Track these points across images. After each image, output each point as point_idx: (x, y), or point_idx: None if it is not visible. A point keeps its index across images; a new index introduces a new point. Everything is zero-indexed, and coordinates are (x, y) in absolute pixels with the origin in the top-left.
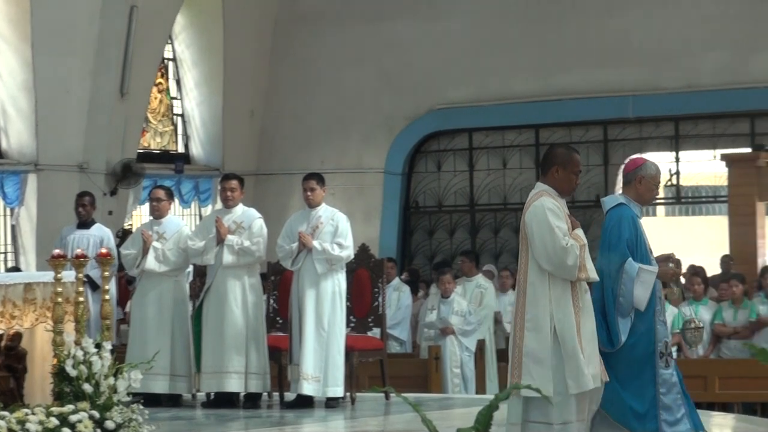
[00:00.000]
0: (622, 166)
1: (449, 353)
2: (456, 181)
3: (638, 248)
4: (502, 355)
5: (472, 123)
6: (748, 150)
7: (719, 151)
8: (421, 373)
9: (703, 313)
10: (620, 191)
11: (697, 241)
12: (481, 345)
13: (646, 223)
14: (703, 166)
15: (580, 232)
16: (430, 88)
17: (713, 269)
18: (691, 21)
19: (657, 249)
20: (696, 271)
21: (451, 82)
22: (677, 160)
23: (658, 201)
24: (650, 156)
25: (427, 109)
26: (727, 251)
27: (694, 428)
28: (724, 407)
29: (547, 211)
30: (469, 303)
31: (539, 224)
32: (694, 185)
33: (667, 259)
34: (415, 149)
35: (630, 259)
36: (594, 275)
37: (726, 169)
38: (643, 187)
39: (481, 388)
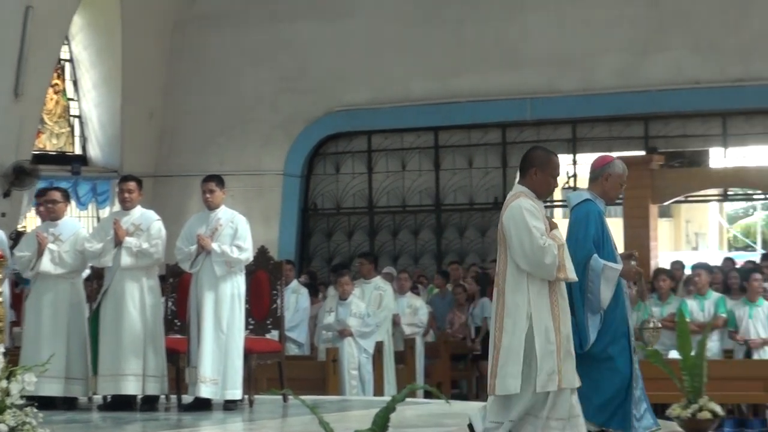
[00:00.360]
0: (591, 163)
1: (347, 355)
2: (355, 183)
3: (604, 245)
4: (399, 357)
5: (371, 125)
6: (642, 153)
7: (615, 154)
8: (319, 375)
9: None
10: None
11: None
12: (379, 347)
13: None
14: None
15: (558, 232)
16: (329, 90)
17: None
18: (587, 25)
19: None
20: None
21: (350, 84)
22: (574, 162)
23: (555, 203)
24: None
25: (325, 111)
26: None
27: (654, 424)
28: None
29: (524, 211)
30: (368, 305)
31: (517, 224)
32: None
33: (630, 256)
34: (314, 151)
35: (595, 255)
36: (573, 275)
37: None
38: (609, 184)
39: (379, 390)
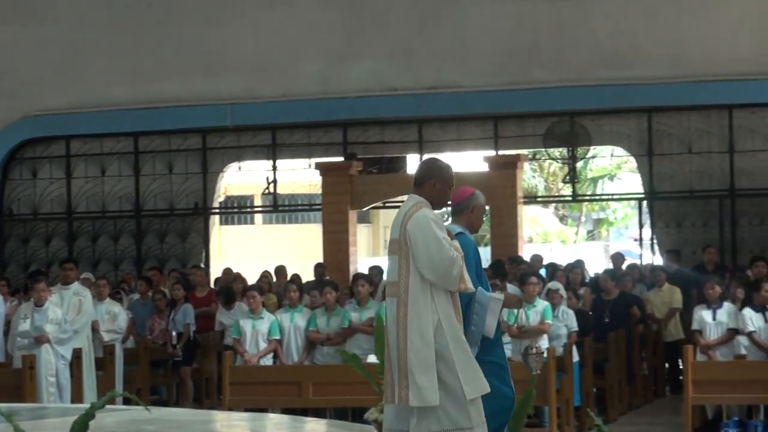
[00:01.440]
0: (453, 197)
1: (44, 362)
2: (53, 188)
3: (481, 277)
4: (99, 364)
5: (70, 130)
6: (341, 159)
7: (314, 160)
8: (15, 382)
9: (299, 321)
10: (450, 221)
11: (293, 249)
12: (78, 353)
13: (244, 232)
14: (299, 175)
15: (457, 243)
16: (26, 95)
17: (308, 276)
18: (287, 31)
19: (256, 257)
20: (292, 279)
21: (48, 88)
22: (274, 168)
23: (255, 209)
24: (248, 164)
25: (21, 115)
26: (321, 259)
27: None
28: (317, 413)
29: (431, 222)
30: (68, 311)
31: (424, 235)
32: (290, 193)
33: (494, 286)
34: (9, 156)
35: (480, 288)
36: (471, 286)
37: (320, 178)
38: (474, 216)
39: (78, 397)
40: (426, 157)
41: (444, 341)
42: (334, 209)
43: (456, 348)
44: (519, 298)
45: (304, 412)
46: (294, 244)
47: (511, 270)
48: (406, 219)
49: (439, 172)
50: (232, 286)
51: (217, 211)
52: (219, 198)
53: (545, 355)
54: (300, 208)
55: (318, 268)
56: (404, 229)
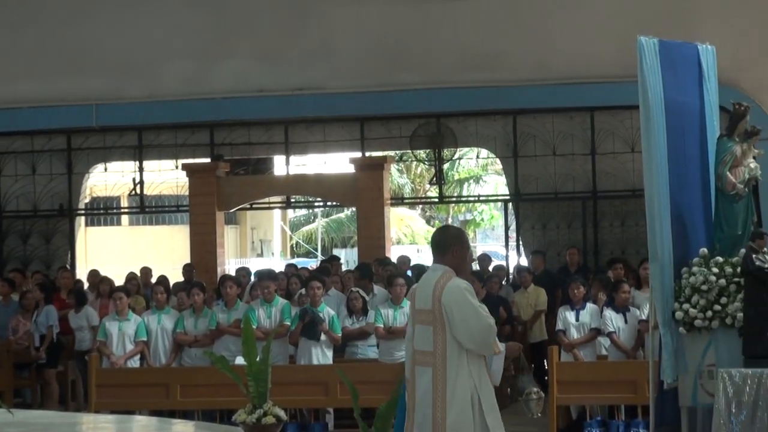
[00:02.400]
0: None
1: None
2: None
3: None
4: None
5: None
6: (208, 160)
7: (181, 161)
8: None
9: (166, 322)
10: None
11: (161, 250)
12: None
13: (111, 233)
14: (166, 176)
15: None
16: None
17: (176, 278)
18: (153, 30)
19: (123, 259)
20: (159, 280)
21: None
22: (141, 169)
23: (122, 210)
24: (114, 165)
25: None
26: (188, 260)
27: None
28: (185, 415)
29: (465, 291)
30: None
31: (460, 305)
32: (157, 195)
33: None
34: None
35: None
36: (501, 348)
37: (187, 179)
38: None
39: None
40: (290, 158)
41: (479, 409)
42: (202, 210)
43: (489, 413)
44: (519, 345)
45: (172, 414)
46: (161, 245)
47: (378, 271)
48: (437, 290)
49: (459, 239)
50: (83, 288)
51: (82, 212)
52: (84, 199)
53: (542, 395)
54: (167, 209)
55: (186, 269)
56: (437, 300)
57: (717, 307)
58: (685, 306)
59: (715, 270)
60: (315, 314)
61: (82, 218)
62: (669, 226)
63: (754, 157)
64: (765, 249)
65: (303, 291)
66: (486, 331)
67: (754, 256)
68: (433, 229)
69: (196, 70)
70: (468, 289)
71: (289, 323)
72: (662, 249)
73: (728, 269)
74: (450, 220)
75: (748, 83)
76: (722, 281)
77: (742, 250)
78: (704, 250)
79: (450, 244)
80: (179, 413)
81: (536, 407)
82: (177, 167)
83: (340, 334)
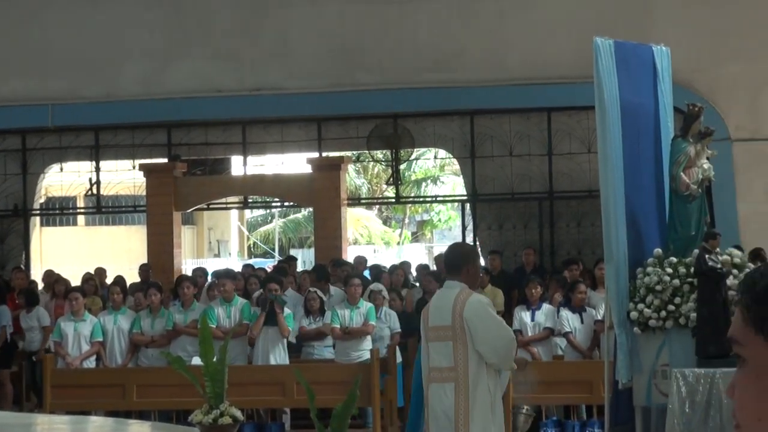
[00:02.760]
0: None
1: None
2: None
3: None
4: None
5: None
6: (165, 160)
7: (138, 161)
8: None
9: (123, 322)
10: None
11: (117, 251)
12: None
13: (66, 233)
14: (123, 176)
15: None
16: None
17: (133, 278)
18: (109, 30)
19: (78, 259)
20: (116, 281)
21: None
22: (98, 169)
23: (78, 210)
24: (71, 165)
25: None
26: (145, 260)
27: None
28: (141, 415)
29: (486, 306)
30: None
31: (483, 319)
32: (114, 195)
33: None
34: None
35: None
36: (514, 364)
37: (144, 179)
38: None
39: None
40: (248, 158)
41: (498, 422)
42: (159, 210)
43: (499, 429)
44: (526, 360)
45: (128, 414)
46: (118, 245)
47: (335, 272)
48: (458, 305)
49: (471, 257)
50: (34, 289)
51: (37, 212)
52: (40, 199)
53: (532, 414)
54: (124, 209)
55: (142, 269)
56: (459, 315)
57: (671, 307)
58: (640, 306)
59: (669, 270)
60: (277, 298)
61: (38, 218)
62: (624, 226)
63: (707, 158)
64: (718, 249)
65: (261, 292)
66: (510, 344)
67: (707, 256)
68: (390, 230)
69: (154, 70)
70: (489, 303)
71: (248, 323)
72: (617, 249)
73: (682, 269)
74: (407, 221)
75: (702, 84)
76: (676, 281)
77: (696, 251)
78: (659, 251)
79: (464, 263)
80: (135, 414)
81: (523, 424)
82: (134, 167)
83: (292, 329)
